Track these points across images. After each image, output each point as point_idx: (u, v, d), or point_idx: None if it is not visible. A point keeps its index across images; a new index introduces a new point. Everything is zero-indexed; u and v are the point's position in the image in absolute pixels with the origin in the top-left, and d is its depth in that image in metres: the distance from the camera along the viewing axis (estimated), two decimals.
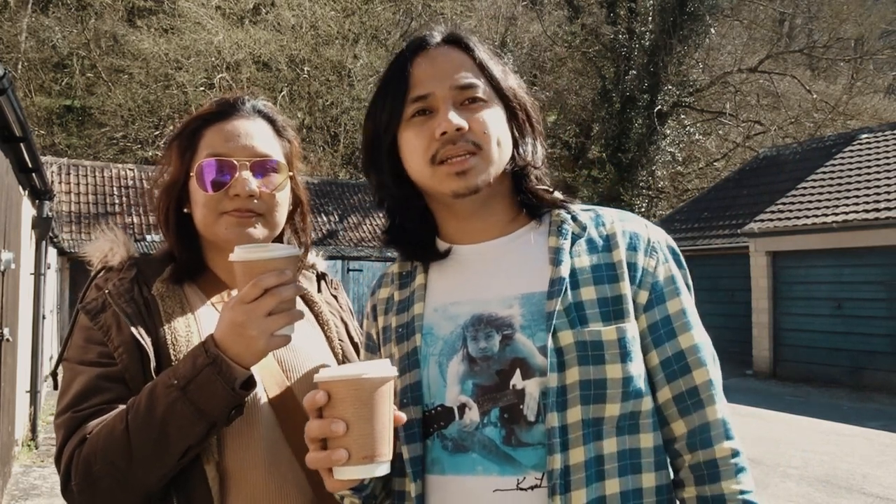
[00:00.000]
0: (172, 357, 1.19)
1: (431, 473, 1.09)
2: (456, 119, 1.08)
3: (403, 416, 1.04)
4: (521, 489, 1.03)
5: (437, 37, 1.16)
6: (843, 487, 6.28)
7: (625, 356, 1.04)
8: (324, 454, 0.97)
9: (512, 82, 1.17)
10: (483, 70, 1.14)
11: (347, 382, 0.96)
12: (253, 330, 1.06)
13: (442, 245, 1.20)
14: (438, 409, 1.09)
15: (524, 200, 1.18)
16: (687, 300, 1.13)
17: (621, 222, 1.16)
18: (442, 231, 1.21)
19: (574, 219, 1.16)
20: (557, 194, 1.18)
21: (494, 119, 1.13)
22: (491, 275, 1.14)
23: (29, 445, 7.37)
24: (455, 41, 1.16)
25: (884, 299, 11.55)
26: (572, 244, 1.12)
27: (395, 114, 1.13)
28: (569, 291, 1.08)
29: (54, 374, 1.34)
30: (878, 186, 12.34)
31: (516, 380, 1.06)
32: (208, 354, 1.09)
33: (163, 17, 24.41)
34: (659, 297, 1.11)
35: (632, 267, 1.11)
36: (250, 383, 1.14)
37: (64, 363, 1.24)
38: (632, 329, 1.07)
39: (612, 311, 1.07)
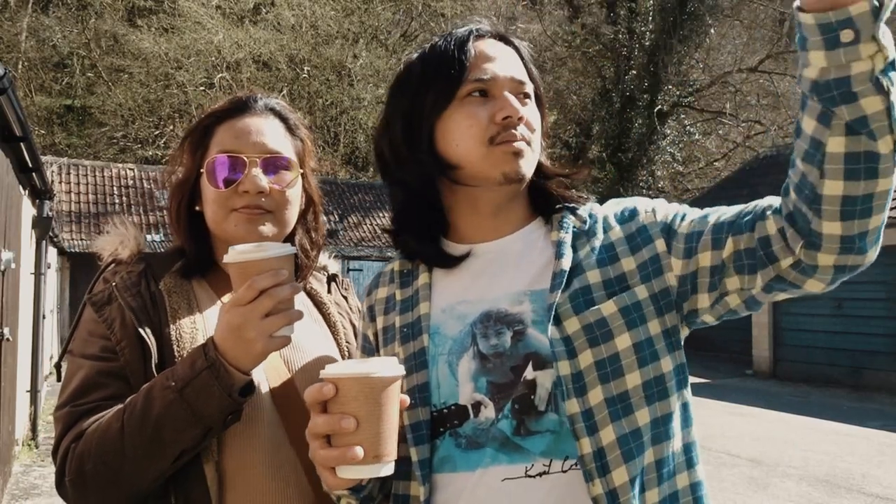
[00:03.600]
0: (176, 354, 1.18)
1: (440, 472, 1.08)
2: (520, 108, 1.10)
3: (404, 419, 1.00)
4: (530, 476, 1.02)
5: (490, 28, 1.17)
6: (842, 487, 6.28)
7: (630, 323, 1.05)
8: (337, 451, 0.92)
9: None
10: (529, 72, 1.17)
11: (358, 380, 0.92)
12: (251, 332, 1.04)
13: (456, 248, 1.18)
14: (452, 407, 1.08)
15: (542, 202, 1.19)
16: (680, 205, 1.18)
17: (611, 206, 1.19)
18: (454, 228, 1.19)
19: (574, 212, 1.17)
20: (576, 194, 1.21)
21: (537, 119, 1.16)
22: (499, 272, 1.14)
23: (29, 445, 7.37)
24: (504, 39, 1.17)
25: (884, 299, 11.55)
26: (575, 238, 1.13)
27: (447, 92, 1.11)
28: (574, 280, 1.08)
29: (58, 366, 1.36)
30: None
31: (528, 372, 1.06)
32: (207, 358, 1.07)
33: (163, 16, 24.39)
34: (672, 221, 1.13)
35: (630, 238, 1.12)
36: (249, 389, 1.12)
37: (68, 355, 1.24)
38: (637, 294, 1.07)
39: (618, 289, 1.08)
